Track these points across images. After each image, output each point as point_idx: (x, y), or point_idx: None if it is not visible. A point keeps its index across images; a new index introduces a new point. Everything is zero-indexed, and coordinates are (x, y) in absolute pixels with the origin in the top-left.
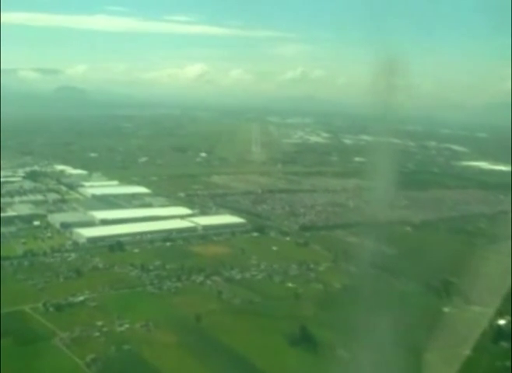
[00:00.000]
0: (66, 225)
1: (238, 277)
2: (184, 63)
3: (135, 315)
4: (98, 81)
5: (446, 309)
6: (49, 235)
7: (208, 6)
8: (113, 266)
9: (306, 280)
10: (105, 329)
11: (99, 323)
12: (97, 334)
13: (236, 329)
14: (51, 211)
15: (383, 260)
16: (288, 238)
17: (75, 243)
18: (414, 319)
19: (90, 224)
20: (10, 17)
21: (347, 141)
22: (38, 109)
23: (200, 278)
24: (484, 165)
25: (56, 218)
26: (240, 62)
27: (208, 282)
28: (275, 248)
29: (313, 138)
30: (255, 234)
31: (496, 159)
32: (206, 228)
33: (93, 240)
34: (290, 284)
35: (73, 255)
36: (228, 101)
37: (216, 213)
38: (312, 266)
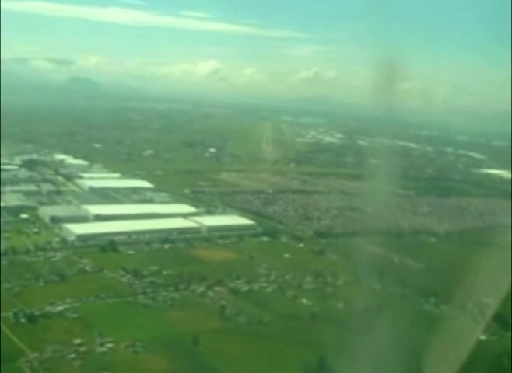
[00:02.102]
0: (56, 220)
1: (245, 288)
2: (197, 59)
3: (121, 333)
4: (111, 73)
5: (483, 337)
6: (36, 230)
7: (224, 3)
8: (102, 270)
9: (323, 296)
10: (83, 349)
11: (77, 341)
12: (73, 356)
13: (241, 357)
14: (43, 203)
15: (409, 276)
16: (302, 245)
17: (64, 241)
18: (448, 350)
19: (83, 219)
20: (24, 5)
21: (362, 143)
22: (49, 99)
23: (200, 288)
24: (504, 173)
25: (46, 211)
26: (253, 61)
27: (210, 294)
28: (287, 255)
29: (327, 138)
30: (265, 238)
31: None
32: (211, 229)
33: (84, 238)
34: (305, 301)
35: (59, 254)
36: (240, 99)
37: (223, 213)
38: (329, 279)
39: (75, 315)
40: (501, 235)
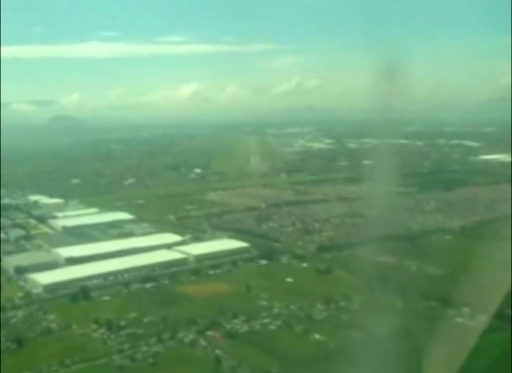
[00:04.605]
0: (21, 270)
1: (244, 328)
2: (178, 83)
3: None
4: (93, 108)
5: None
6: None
7: (200, 24)
8: (70, 326)
9: (337, 326)
10: None
11: None
12: None
13: None
14: (9, 253)
15: (431, 285)
16: (305, 265)
17: (28, 295)
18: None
19: (52, 265)
20: (1, 51)
21: (351, 146)
22: (30, 140)
23: (190, 336)
24: (504, 157)
25: (10, 262)
26: (234, 78)
27: (202, 342)
28: (289, 279)
29: (316, 145)
30: (263, 262)
31: None
32: (200, 258)
33: (52, 288)
34: (317, 336)
35: (20, 313)
36: (225, 117)
37: (212, 237)
38: (342, 303)
39: None
40: None
